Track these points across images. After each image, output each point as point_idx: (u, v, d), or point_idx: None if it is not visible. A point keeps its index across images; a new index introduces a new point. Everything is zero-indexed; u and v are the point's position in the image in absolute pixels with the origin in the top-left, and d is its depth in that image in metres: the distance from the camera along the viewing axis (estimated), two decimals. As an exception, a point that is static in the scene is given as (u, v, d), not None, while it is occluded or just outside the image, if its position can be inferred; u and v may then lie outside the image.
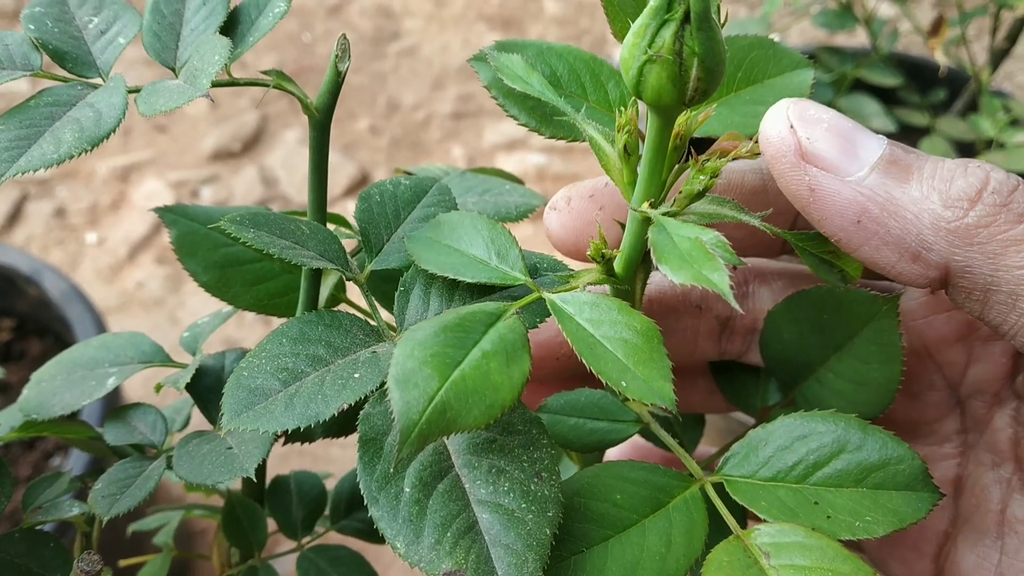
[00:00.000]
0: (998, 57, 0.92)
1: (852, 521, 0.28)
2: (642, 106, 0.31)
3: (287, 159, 1.47)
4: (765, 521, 0.28)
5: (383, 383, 0.29)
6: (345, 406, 0.29)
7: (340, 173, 1.45)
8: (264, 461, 0.35)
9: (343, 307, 0.38)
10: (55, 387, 0.39)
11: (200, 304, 1.30)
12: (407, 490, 0.27)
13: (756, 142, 0.31)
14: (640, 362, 0.27)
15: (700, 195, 0.30)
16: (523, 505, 0.27)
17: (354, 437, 0.29)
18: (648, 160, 0.30)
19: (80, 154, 0.31)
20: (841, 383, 0.36)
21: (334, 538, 0.43)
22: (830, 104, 0.94)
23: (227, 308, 0.42)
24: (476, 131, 1.52)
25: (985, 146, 0.89)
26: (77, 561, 0.31)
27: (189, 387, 0.36)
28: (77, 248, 1.36)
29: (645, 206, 0.30)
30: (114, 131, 0.31)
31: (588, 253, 0.32)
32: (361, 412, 0.29)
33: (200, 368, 0.37)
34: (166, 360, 0.39)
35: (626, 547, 0.28)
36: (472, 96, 1.56)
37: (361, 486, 0.27)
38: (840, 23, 0.90)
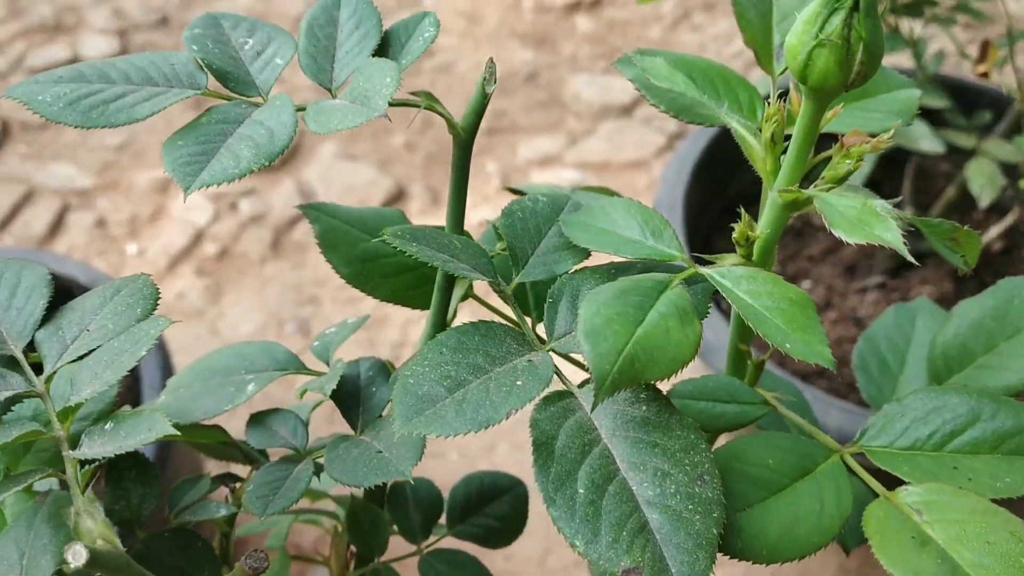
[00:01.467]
0: (1040, 80, 0.94)
1: (993, 482, 0.31)
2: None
3: (324, 173, 1.49)
4: (907, 483, 0.31)
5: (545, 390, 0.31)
6: (513, 412, 0.31)
7: (377, 188, 1.47)
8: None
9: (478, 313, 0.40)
10: (194, 393, 0.40)
11: (240, 315, 1.32)
12: (581, 491, 0.29)
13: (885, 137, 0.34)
14: (798, 328, 0.29)
15: (844, 178, 0.33)
16: (690, 507, 0.29)
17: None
18: (797, 145, 0.33)
19: (258, 169, 0.32)
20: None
21: (451, 543, 0.44)
22: (878, 125, 0.96)
23: (352, 319, 0.44)
24: (510, 147, 1.54)
25: (1030, 167, 0.91)
26: (245, 558, 0.32)
27: (332, 393, 0.38)
28: (118, 259, 1.37)
29: (792, 188, 0.33)
30: (287, 147, 0.33)
31: (733, 236, 0.34)
32: (530, 418, 0.30)
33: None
34: (301, 368, 0.41)
35: (783, 506, 0.31)
36: (506, 112, 1.58)
37: (538, 488, 0.29)
38: (889, 46, 0.92)
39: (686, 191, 1.06)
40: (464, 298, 0.41)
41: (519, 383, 0.31)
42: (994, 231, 0.99)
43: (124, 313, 0.32)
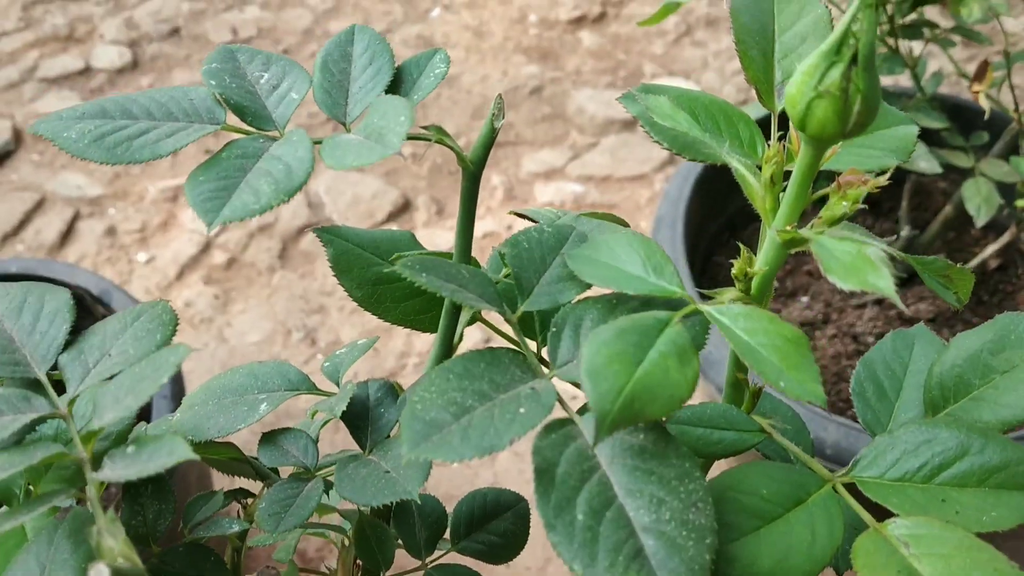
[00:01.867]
0: (1038, 101, 0.96)
1: (979, 516, 0.32)
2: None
3: (332, 184, 1.51)
4: (896, 515, 0.32)
5: (545, 418, 0.32)
6: (516, 439, 0.32)
7: (383, 199, 1.49)
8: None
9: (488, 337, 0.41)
10: (208, 411, 0.42)
11: (248, 324, 1.33)
12: (580, 517, 0.30)
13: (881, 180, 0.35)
14: (792, 366, 0.30)
15: (840, 220, 0.34)
16: (683, 533, 0.30)
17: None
18: (795, 187, 0.34)
19: (277, 204, 0.34)
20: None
21: (454, 558, 0.45)
22: (877, 145, 0.97)
23: (362, 340, 0.45)
24: (514, 160, 1.55)
25: (1027, 188, 0.93)
26: (259, 573, 0.34)
27: (343, 414, 0.39)
28: (128, 267, 1.39)
29: (789, 228, 0.34)
30: (305, 183, 0.35)
31: (733, 272, 0.35)
32: (533, 446, 0.32)
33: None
34: (312, 388, 0.42)
35: (776, 536, 0.32)
36: (511, 126, 1.59)
37: (539, 513, 0.30)
38: (888, 67, 0.94)
39: (687, 206, 1.07)
40: (471, 322, 0.43)
41: (522, 411, 0.33)
42: (990, 249, 1.00)
43: (144, 339, 0.34)
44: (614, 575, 0.29)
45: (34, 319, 0.35)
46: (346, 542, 0.47)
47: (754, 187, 0.36)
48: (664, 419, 0.35)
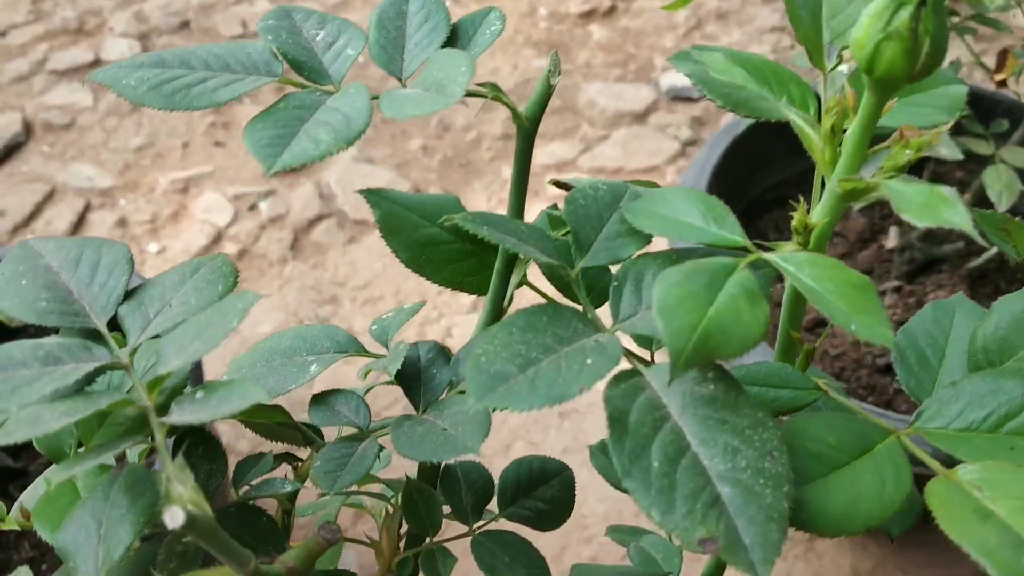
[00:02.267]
0: (1057, 89, 0.96)
1: None
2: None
3: (343, 176, 1.51)
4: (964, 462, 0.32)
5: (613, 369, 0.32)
6: (585, 389, 0.32)
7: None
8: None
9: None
10: (257, 373, 0.41)
11: (260, 314, 1.33)
12: (655, 464, 0.30)
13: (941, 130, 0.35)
14: (861, 311, 0.30)
15: (904, 168, 0.34)
16: (760, 481, 0.30)
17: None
18: (856, 136, 0.34)
19: (336, 152, 0.33)
20: None
21: (502, 525, 0.45)
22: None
23: (408, 304, 0.45)
24: (526, 152, 1.55)
25: (1046, 175, 0.93)
26: (319, 529, 0.33)
27: (396, 374, 0.39)
28: (139, 257, 1.38)
29: (855, 177, 0.34)
30: (363, 132, 0.34)
31: (792, 224, 0.35)
32: (604, 395, 0.31)
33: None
34: (361, 350, 0.42)
35: (844, 482, 0.32)
36: (522, 118, 1.59)
37: (614, 461, 0.30)
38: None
39: (706, 195, 1.07)
40: (519, 285, 0.42)
41: (589, 361, 0.32)
42: (1011, 237, 1.00)
43: (205, 290, 0.33)
44: (692, 522, 0.29)
45: (92, 271, 0.35)
46: (389, 509, 0.46)
47: (813, 140, 0.36)
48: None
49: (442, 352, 0.41)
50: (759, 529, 0.29)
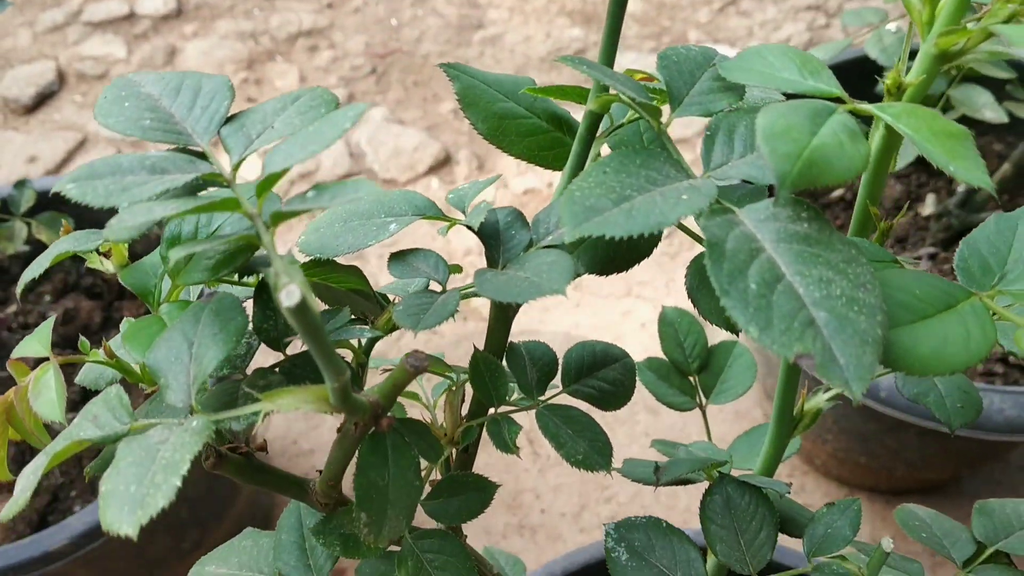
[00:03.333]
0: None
1: None
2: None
3: (373, 135, 1.51)
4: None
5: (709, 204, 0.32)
6: (683, 217, 0.32)
7: (425, 152, 1.49)
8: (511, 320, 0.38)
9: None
10: (335, 231, 0.42)
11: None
12: (752, 286, 0.30)
13: None
14: (959, 157, 0.31)
15: (1008, 20, 0.34)
16: (855, 308, 0.30)
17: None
18: None
19: None
20: None
21: (565, 400, 0.45)
22: (942, 94, 0.98)
23: (482, 178, 0.45)
24: (557, 120, 1.55)
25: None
26: (406, 356, 0.34)
27: (479, 228, 0.39)
28: (170, 205, 1.39)
29: (958, 27, 0.34)
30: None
31: (886, 83, 0.35)
32: (701, 224, 0.32)
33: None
34: (439, 214, 0.42)
35: (932, 328, 0.33)
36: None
37: (713, 281, 0.30)
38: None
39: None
40: (596, 157, 0.43)
41: (684, 197, 0.33)
42: (1048, 206, 1.00)
43: (308, 113, 0.34)
44: (790, 338, 0.29)
45: (193, 97, 0.35)
46: (453, 387, 0.47)
47: (912, 1, 0.37)
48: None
49: (521, 216, 0.41)
50: (854, 351, 0.29)
